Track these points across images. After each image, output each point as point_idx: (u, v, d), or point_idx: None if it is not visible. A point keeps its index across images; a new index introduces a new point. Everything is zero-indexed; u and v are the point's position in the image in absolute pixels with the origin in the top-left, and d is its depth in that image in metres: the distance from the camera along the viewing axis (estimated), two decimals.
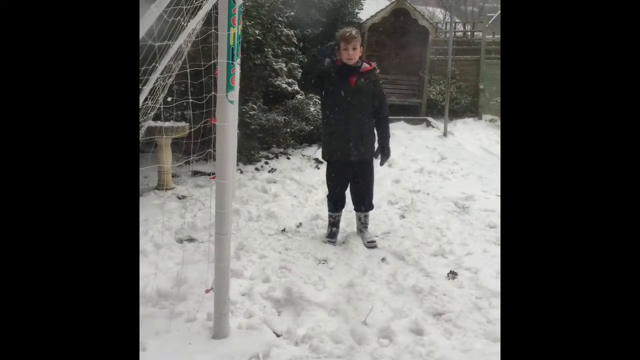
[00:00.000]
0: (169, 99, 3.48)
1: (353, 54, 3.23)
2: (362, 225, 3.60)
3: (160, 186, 4.50)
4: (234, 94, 2.09)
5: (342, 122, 3.33)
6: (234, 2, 1.94)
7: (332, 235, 3.56)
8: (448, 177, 5.47)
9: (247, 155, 5.47)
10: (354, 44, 3.21)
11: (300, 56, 7.05)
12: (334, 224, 3.59)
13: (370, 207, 3.61)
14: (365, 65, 3.33)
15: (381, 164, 3.53)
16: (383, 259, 3.21)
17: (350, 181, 3.53)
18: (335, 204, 3.56)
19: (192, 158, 2.86)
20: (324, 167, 5.67)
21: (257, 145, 5.69)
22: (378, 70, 3.46)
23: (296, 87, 6.34)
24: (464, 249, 3.39)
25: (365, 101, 3.32)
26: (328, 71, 3.31)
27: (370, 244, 3.43)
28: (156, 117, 4.09)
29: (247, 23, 5.18)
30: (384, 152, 3.49)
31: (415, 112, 9.22)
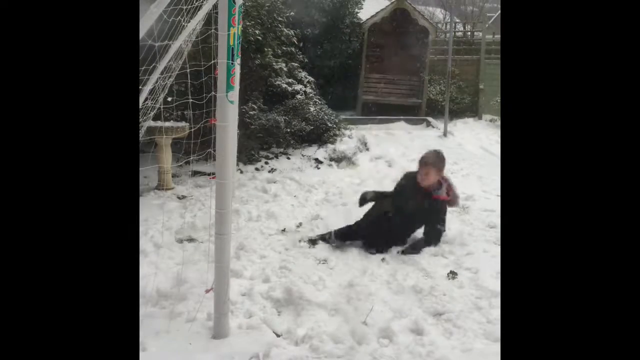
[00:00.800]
0: (169, 99, 3.48)
1: (423, 179, 3.37)
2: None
3: (160, 186, 4.49)
4: (234, 94, 2.09)
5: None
6: (234, 2, 1.94)
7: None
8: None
9: (247, 155, 5.47)
10: (426, 170, 3.37)
11: (300, 56, 7.05)
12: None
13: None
14: (440, 193, 3.39)
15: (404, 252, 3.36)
16: (383, 259, 3.21)
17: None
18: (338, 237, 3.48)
19: (192, 158, 2.86)
20: (323, 167, 5.70)
21: (257, 145, 5.69)
22: (456, 205, 3.60)
23: (296, 87, 6.33)
24: (464, 249, 3.39)
25: (416, 218, 3.42)
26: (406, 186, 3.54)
27: None
28: (156, 117, 4.09)
29: (247, 23, 5.18)
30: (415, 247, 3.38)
31: (415, 112, 9.22)
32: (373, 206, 3.64)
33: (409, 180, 3.57)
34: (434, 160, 3.42)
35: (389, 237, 3.42)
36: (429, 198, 3.39)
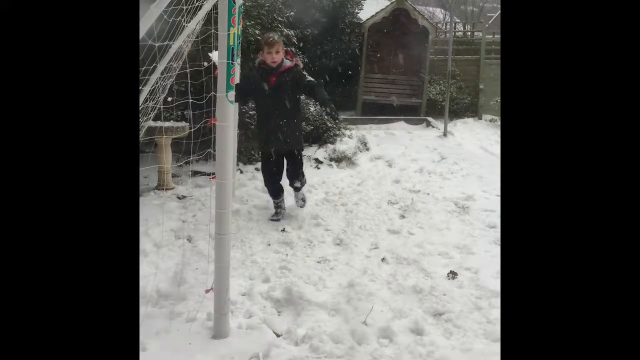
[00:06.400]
0: (169, 99, 3.48)
1: (276, 57, 3.53)
2: (300, 200, 4.04)
3: (160, 186, 4.49)
4: (234, 94, 2.09)
5: (269, 118, 3.69)
6: (234, 2, 1.94)
7: (276, 215, 3.91)
8: (448, 177, 5.46)
9: (247, 155, 5.46)
10: (276, 48, 3.52)
11: (301, 56, 7.04)
12: (278, 206, 3.95)
13: (302, 184, 3.95)
14: (286, 63, 3.59)
15: (329, 115, 3.64)
16: (383, 259, 3.21)
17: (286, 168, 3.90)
18: (272, 192, 3.92)
19: (192, 158, 2.86)
20: (323, 167, 5.70)
21: (257, 145, 5.68)
22: (301, 65, 3.73)
23: None
24: (464, 249, 3.39)
25: (285, 97, 3.59)
26: (254, 77, 3.69)
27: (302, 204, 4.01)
28: (156, 117, 4.09)
29: (247, 23, 5.17)
30: (327, 109, 3.58)
31: (415, 112, 9.22)
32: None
33: (257, 75, 3.64)
34: (279, 37, 3.59)
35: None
36: (280, 72, 3.56)
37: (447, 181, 5.30)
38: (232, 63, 1.98)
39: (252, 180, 4.94)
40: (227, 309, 2.22)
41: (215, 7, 2.16)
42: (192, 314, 2.35)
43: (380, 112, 8.99)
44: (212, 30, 2.47)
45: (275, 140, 3.68)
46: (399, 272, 3.00)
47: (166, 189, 4.46)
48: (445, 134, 7.62)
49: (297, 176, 3.89)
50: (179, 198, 4.33)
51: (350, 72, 9.23)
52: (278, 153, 3.78)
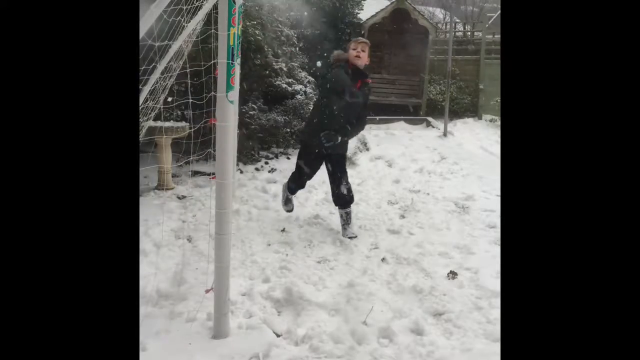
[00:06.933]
0: (169, 99, 3.48)
1: (362, 55, 3.49)
2: (345, 222, 3.70)
3: (160, 186, 4.49)
4: (234, 94, 2.09)
5: (335, 119, 3.51)
6: (234, 2, 1.94)
7: (287, 202, 3.91)
8: (448, 177, 5.47)
9: (247, 155, 5.46)
10: (362, 46, 3.50)
11: (301, 56, 7.04)
12: (288, 199, 3.93)
13: (349, 192, 3.69)
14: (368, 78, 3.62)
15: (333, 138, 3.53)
16: (383, 259, 3.21)
17: (329, 176, 3.73)
18: (291, 188, 3.85)
19: (192, 158, 2.86)
20: (323, 167, 5.70)
21: (257, 145, 5.69)
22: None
23: (296, 87, 6.33)
24: (464, 249, 3.40)
25: (360, 104, 3.58)
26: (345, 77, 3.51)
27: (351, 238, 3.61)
28: (156, 117, 4.09)
29: (247, 23, 5.17)
30: (343, 137, 3.57)
31: (415, 112, 9.22)
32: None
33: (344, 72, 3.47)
34: (367, 41, 3.58)
35: None
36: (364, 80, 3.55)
37: (447, 181, 5.30)
38: (232, 63, 1.98)
39: (252, 180, 4.95)
40: (227, 309, 2.22)
41: (215, 7, 2.16)
42: (192, 314, 2.35)
43: (380, 112, 9.00)
44: (212, 30, 2.46)
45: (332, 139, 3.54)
46: (399, 272, 3.00)
47: (166, 189, 4.46)
48: (445, 134, 7.62)
49: (341, 177, 3.66)
50: (179, 198, 4.33)
51: None
52: (322, 153, 3.65)
